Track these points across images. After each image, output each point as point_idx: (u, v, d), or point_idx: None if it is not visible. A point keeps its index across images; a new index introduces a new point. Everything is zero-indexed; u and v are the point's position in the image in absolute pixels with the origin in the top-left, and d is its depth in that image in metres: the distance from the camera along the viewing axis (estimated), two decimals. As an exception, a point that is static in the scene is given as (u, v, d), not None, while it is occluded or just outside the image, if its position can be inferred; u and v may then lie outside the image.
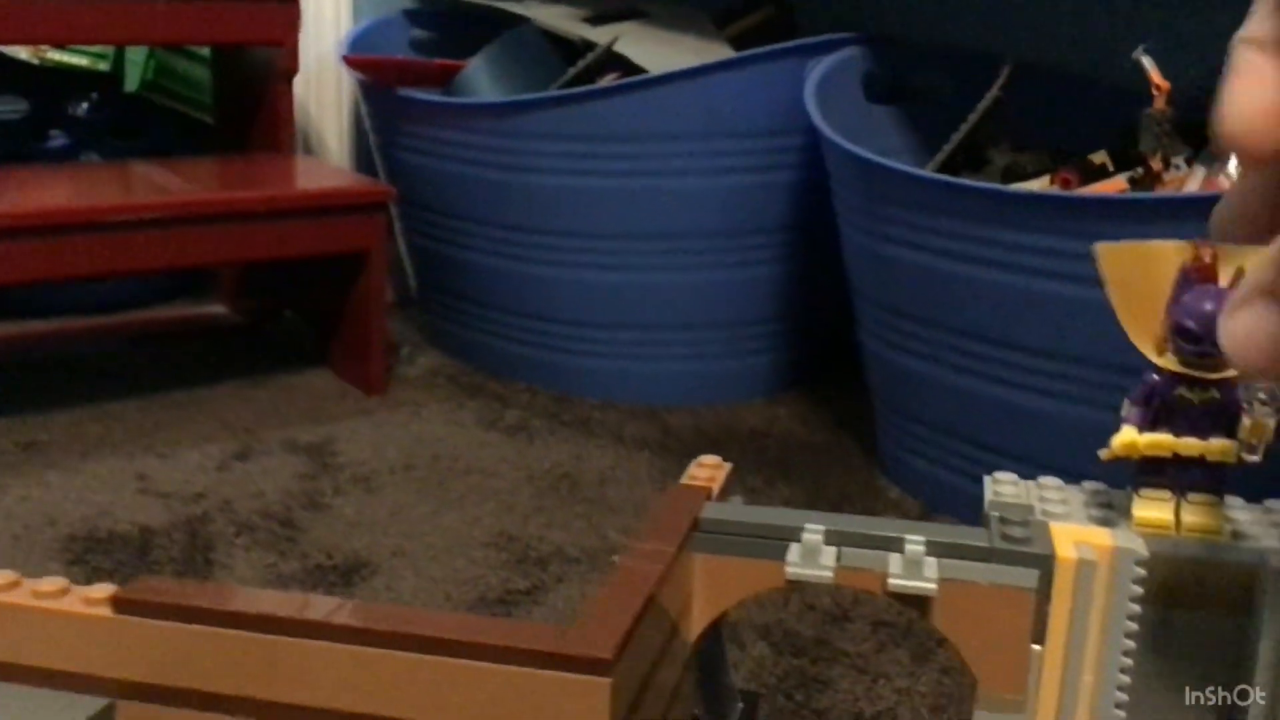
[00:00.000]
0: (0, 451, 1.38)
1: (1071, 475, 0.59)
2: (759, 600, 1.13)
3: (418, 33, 1.91)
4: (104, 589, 0.46)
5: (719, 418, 1.58)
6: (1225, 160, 1.27)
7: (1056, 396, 1.18)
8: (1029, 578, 0.50)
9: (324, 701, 0.44)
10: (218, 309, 1.88)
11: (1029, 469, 0.58)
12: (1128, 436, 0.50)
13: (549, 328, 1.62)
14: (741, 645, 1.07)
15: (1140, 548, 0.50)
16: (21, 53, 1.78)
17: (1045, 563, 0.49)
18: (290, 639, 0.43)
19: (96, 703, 0.44)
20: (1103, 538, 0.50)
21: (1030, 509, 0.53)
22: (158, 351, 1.74)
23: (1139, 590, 0.50)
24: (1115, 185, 1.31)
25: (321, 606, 0.44)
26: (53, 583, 0.47)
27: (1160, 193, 1.27)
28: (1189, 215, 1.07)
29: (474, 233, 1.63)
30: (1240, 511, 0.54)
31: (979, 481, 0.57)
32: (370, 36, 1.82)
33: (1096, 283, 1.17)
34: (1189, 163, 1.29)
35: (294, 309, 1.77)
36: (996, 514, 0.52)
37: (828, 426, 1.56)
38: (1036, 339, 1.16)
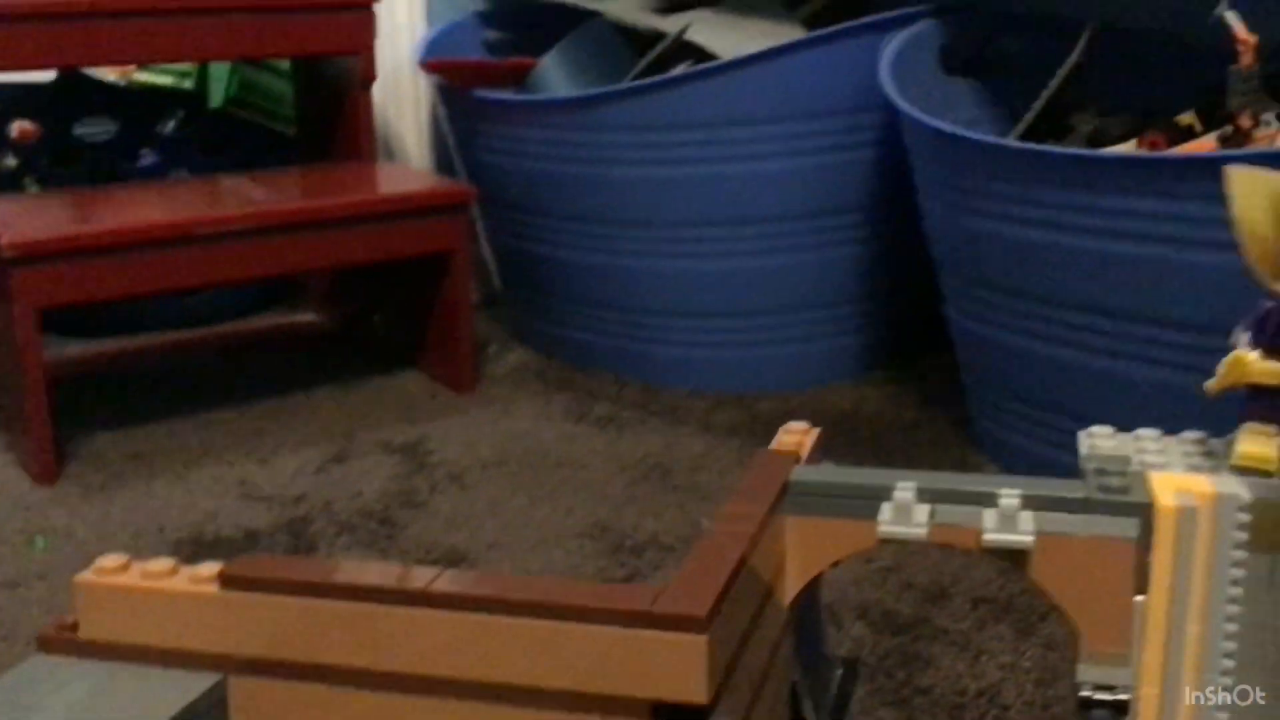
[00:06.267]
0: (108, 463, 1.43)
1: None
2: (855, 579, 1.12)
3: (490, 34, 1.93)
4: (211, 567, 0.48)
5: (807, 401, 1.58)
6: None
7: (1153, 362, 1.15)
8: (1129, 528, 0.49)
9: (429, 669, 0.44)
10: (308, 317, 1.92)
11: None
12: (1238, 356, 0.49)
13: (633, 319, 1.63)
14: (839, 624, 1.06)
15: (1243, 492, 0.49)
16: (109, 75, 1.84)
17: (1145, 512, 0.49)
18: (394, 608, 0.44)
19: (209, 679, 0.46)
20: (1204, 485, 0.49)
21: (1127, 460, 0.52)
22: (253, 361, 1.78)
23: (1243, 536, 0.49)
24: (1204, 145, 1.28)
25: (423, 576, 0.45)
26: (161, 563, 0.48)
27: (1251, 149, 1.24)
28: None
29: (555, 228, 1.64)
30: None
31: (1075, 452, 0.57)
32: (444, 40, 1.84)
33: (1191, 245, 1.15)
34: (1279, 118, 1.26)
35: (382, 313, 1.80)
36: (1093, 465, 0.51)
37: (918, 405, 1.55)
38: (1131, 304, 1.14)
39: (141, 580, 0.48)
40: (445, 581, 0.45)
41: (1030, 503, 0.50)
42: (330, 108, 1.76)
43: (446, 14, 1.93)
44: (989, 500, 0.51)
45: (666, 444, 1.45)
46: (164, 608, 0.48)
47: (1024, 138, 1.38)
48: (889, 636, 1.04)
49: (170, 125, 1.84)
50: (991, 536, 0.49)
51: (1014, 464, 1.33)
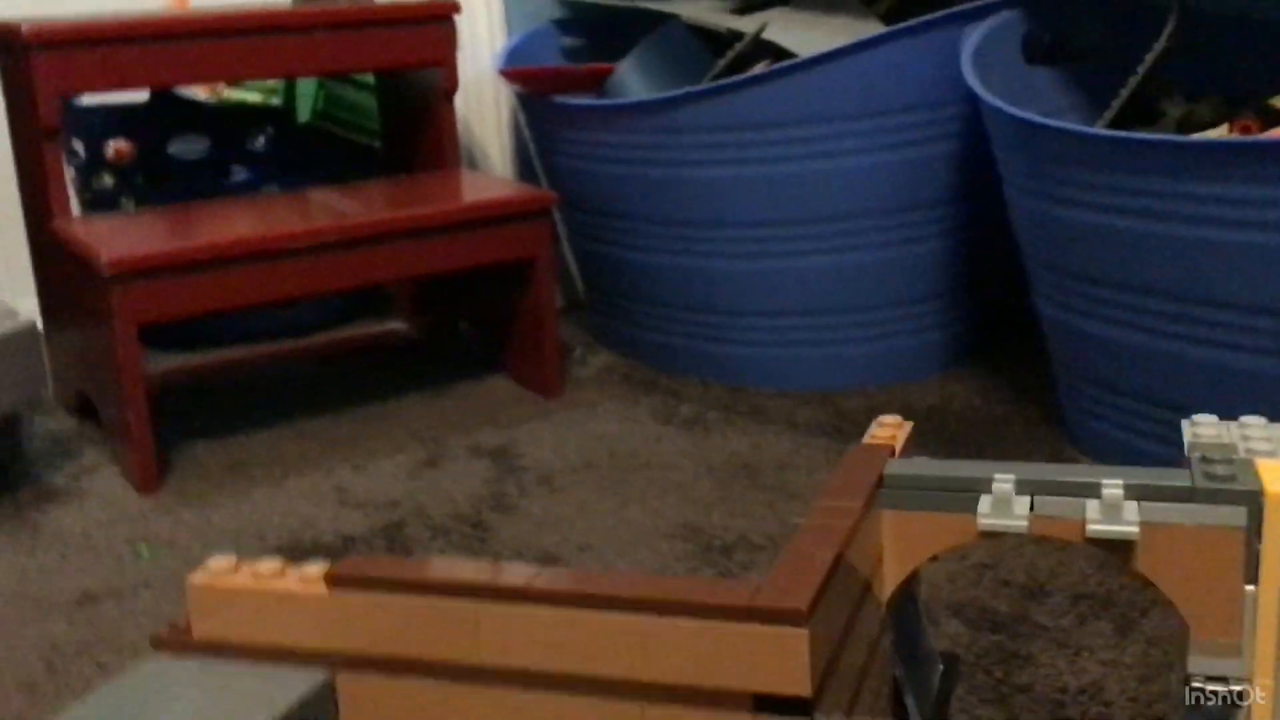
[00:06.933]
0: (207, 472, 1.46)
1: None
2: (950, 576, 1.11)
3: (568, 40, 1.94)
4: (318, 567, 0.49)
5: (893, 398, 1.56)
6: None
7: (1249, 350, 1.13)
8: (1237, 516, 0.48)
9: (531, 663, 0.45)
10: (396, 325, 1.95)
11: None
12: None
13: (717, 320, 1.63)
14: (935, 622, 1.05)
15: (1356, 479, 0.48)
16: (199, 94, 1.88)
17: (1254, 499, 0.48)
18: (497, 604, 0.44)
19: (318, 675, 0.47)
20: (1314, 470, 0.48)
21: (1233, 448, 0.51)
22: (344, 370, 1.81)
23: (1358, 523, 0.47)
24: (1300, 127, 1.25)
25: (523, 573, 0.45)
26: (270, 564, 0.50)
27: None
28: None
29: (637, 231, 1.64)
30: None
31: (1172, 444, 0.55)
32: (523, 49, 1.86)
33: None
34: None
35: (468, 320, 1.82)
36: (1198, 454, 0.50)
37: (1008, 398, 1.53)
38: (1224, 291, 1.12)
39: (251, 581, 0.49)
40: (546, 579, 0.45)
41: (1134, 492, 0.49)
42: (414, 119, 1.78)
43: (525, 23, 1.95)
44: (1092, 491, 0.50)
45: (753, 444, 1.45)
46: (273, 607, 0.49)
47: (1112, 125, 1.36)
48: (987, 634, 1.03)
49: (260, 141, 1.88)
50: (1096, 528, 0.48)
51: (1107, 456, 1.30)
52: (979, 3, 1.48)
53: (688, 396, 1.62)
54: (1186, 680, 0.49)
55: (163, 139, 1.84)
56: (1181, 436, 0.55)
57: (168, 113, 1.83)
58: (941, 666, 0.61)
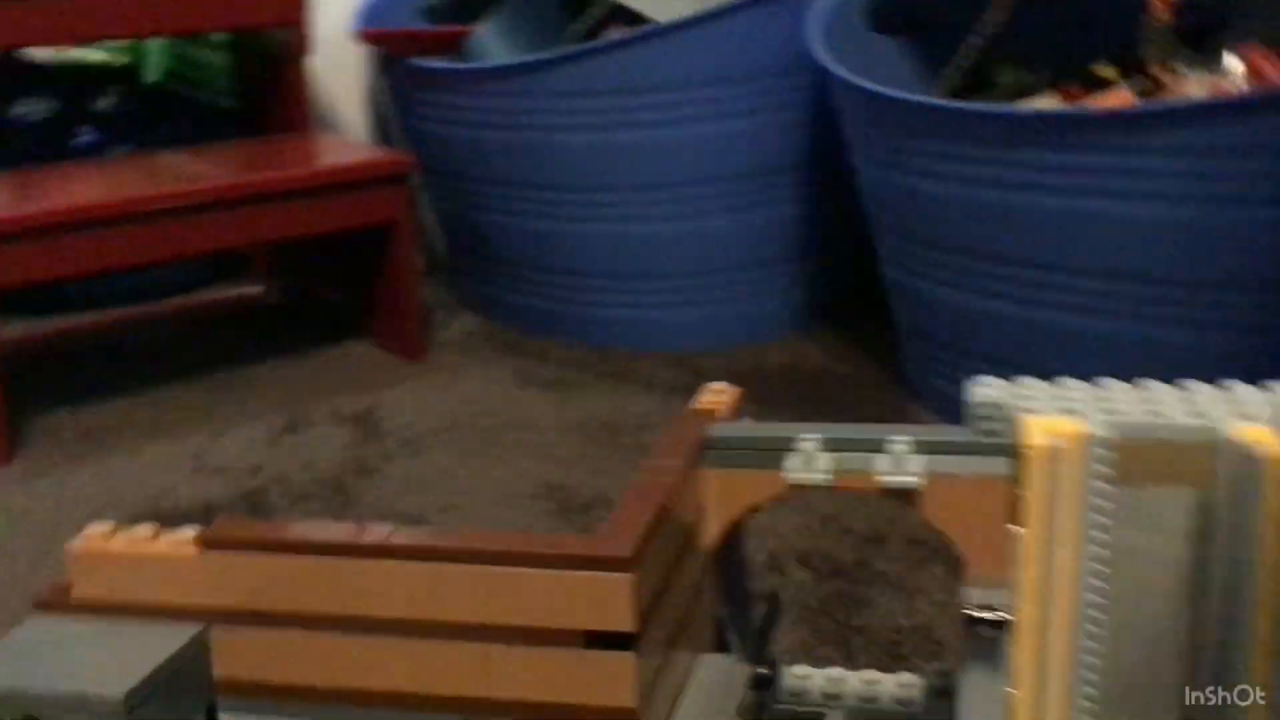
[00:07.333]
0: (61, 441, 1.48)
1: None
2: (797, 528, 1.20)
3: (427, 1, 1.97)
4: (189, 531, 0.55)
5: (750, 358, 1.66)
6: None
7: (1074, 310, 1.24)
8: (1003, 466, 0.57)
9: (389, 612, 0.52)
10: (255, 290, 1.97)
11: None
12: None
13: (578, 282, 1.70)
14: (782, 571, 1.14)
15: (1107, 432, 0.57)
16: (41, 53, 1.87)
17: (1018, 452, 0.57)
18: (357, 560, 0.51)
19: (193, 629, 0.53)
20: (1070, 425, 0.57)
21: (1009, 406, 0.60)
22: (202, 335, 1.84)
23: (1108, 471, 0.57)
24: (1121, 97, 1.37)
25: (381, 531, 0.52)
26: (143, 529, 0.56)
27: (1164, 101, 1.32)
28: (1192, 122, 1.13)
29: (495, 194, 1.70)
30: (1204, 393, 0.61)
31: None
32: (380, 9, 1.89)
33: (1100, 195, 1.23)
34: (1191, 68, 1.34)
35: (329, 284, 1.86)
36: (977, 412, 0.59)
37: (857, 358, 1.63)
38: (1046, 254, 1.23)
39: (127, 545, 0.55)
40: (401, 536, 0.52)
41: (919, 447, 0.58)
42: (267, 81, 1.81)
43: (381, -19, 1.97)
44: (883, 446, 0.58)
45: (613, 404, 1.53)
46: (149, 569, 0.55)
47: (949, 94, 1.46)
48: (831, 580, 1.12)
49: (107, 102, 1.88)
50: (885, 479, 0.57)
51: (945, 409, 1.42)
52: (828, -28, 1.56)
53: (550, 358, 1.69)
54: (965, 610, 0.58)
55: (5, 101, 1.83)
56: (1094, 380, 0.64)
57: (9, 74, 1.82)
58: (765, 608, 0.70)
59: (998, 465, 0.57)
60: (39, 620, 0.53)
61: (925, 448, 0.58)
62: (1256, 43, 1.34)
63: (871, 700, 0.69)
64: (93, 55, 1.90)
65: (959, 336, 1.37)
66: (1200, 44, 1.36)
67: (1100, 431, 0.57)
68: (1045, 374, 1.30)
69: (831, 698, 0.70)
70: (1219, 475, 0.56)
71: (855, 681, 0.70)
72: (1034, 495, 0.57)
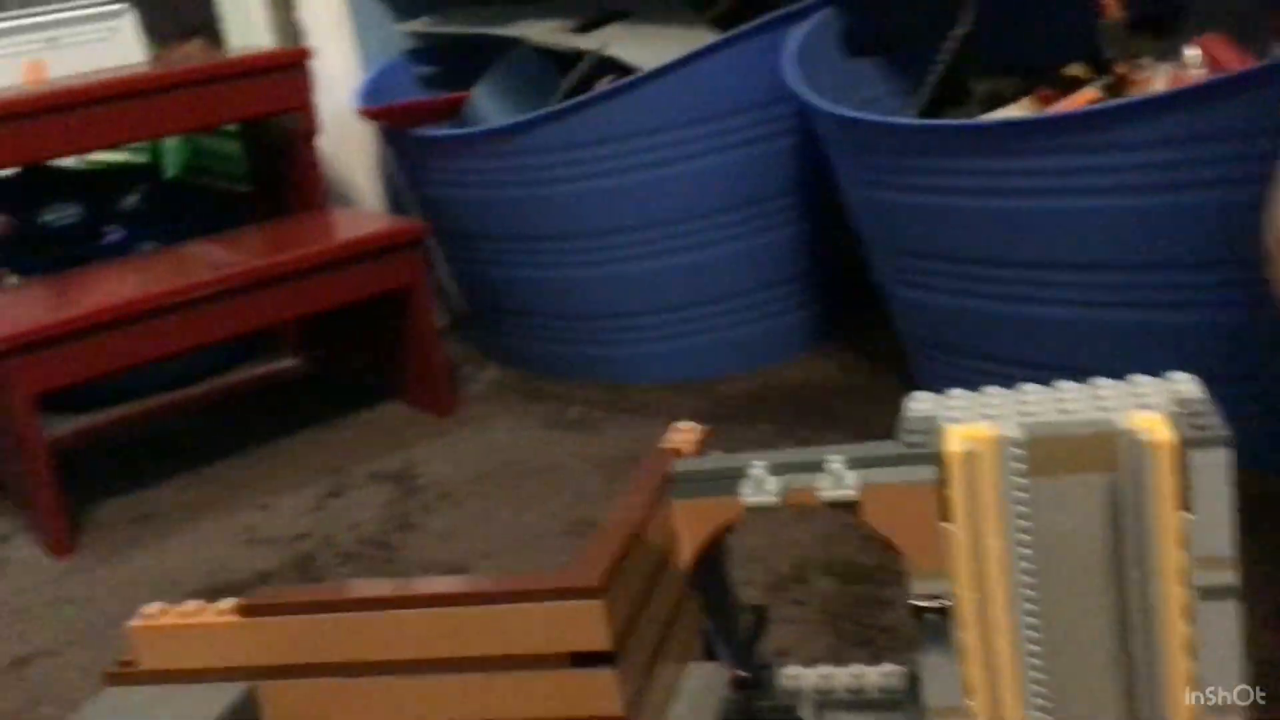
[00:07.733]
0: (117, 528, 1.61)
1: (1085, 373, 0.74)
2: (822, 538, 1.29)
3: (423, 69, 2.10)
4: (230, 602, 0.66)
5: (765, 379, 1.75)
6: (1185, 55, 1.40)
7: (1058, 303, 1.32)
8: (930, 473, 0.66)
9: (405, 655, 0.62)
10: (287, 363, 2.09)
11: (1047, 374, 0.72)
12: None
13: (594, 325, 1.81)
14: (805, 580, 1.24)
15: (1018, 433, 0.66)
16: (66, 160, 2.00)
17: (939, 459, 0.66)
18: (374, 612, 0.62)
19: (240, 687, 0.64)
20: (986, 430, 0.66)
21: (935, 419, 0.69)
22: (240, 413, 1.96)
23: (1023, 467, 0.66)
24: (1088, 96, 1.45)
25: (389, 585, 0.63)
26: (191, 604, 0.66)
27: (1127, 98, 1.41)
28: (1156, 115, 1.21)
29: (504, 249, 1.81)
30: (1108, 388, 0.70)
31: (1004, 388, 0.73)
32: (380, 83, 2.01)
33: (1070, 193, 1.31)
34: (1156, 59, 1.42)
35: (356, 351, 1.97)
36: (905, 426, 0.68)
37: (867, 370, 1.72)
38: (1025, 253, 1.31)
39: (178, 619, 0.66)
40: (404, 588, 0.62)
41: (854, 463, 0.68)
42: (280, 164, 1.93)
43: (380, 57, 2.09)
44: (823, 466, 0.68)
45: (638, 437, 1.63)
46: (200, 638, 0.65)
47: (926, 108, 1.55)
48: (855, 585, 1.21)
49: (131, 200, 2.01)
50: (826, 494, 0.67)
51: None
52: (802, 3, 1.66)
53: (574, 399, 1.80)
54: (911, 601, 0.67)
55: (35, 208, 1.96)
56: (1015, 386, 0.73)
57: (37, 183, 1.95)
58: (752, 618, 0.79)
59: (926, 472, 0.66)
60: (109, 692, 0.64)
61: (860, 463, 0.67)
62: (1214, 29, 1.42)
63: (859, 691, 0.79)
64: (115, 156, 2.03)
65: (958, 339, 1.45)
66: (1159, 33, 1.44)
67: (1012, 433, 0.67)
68: (1045, 366, 1.39)
69: (824, 693, 0.79)
70: (1119, 460, 0.66)
71: (844, 676, 0.80)
72: (958, 495, 0.66)
